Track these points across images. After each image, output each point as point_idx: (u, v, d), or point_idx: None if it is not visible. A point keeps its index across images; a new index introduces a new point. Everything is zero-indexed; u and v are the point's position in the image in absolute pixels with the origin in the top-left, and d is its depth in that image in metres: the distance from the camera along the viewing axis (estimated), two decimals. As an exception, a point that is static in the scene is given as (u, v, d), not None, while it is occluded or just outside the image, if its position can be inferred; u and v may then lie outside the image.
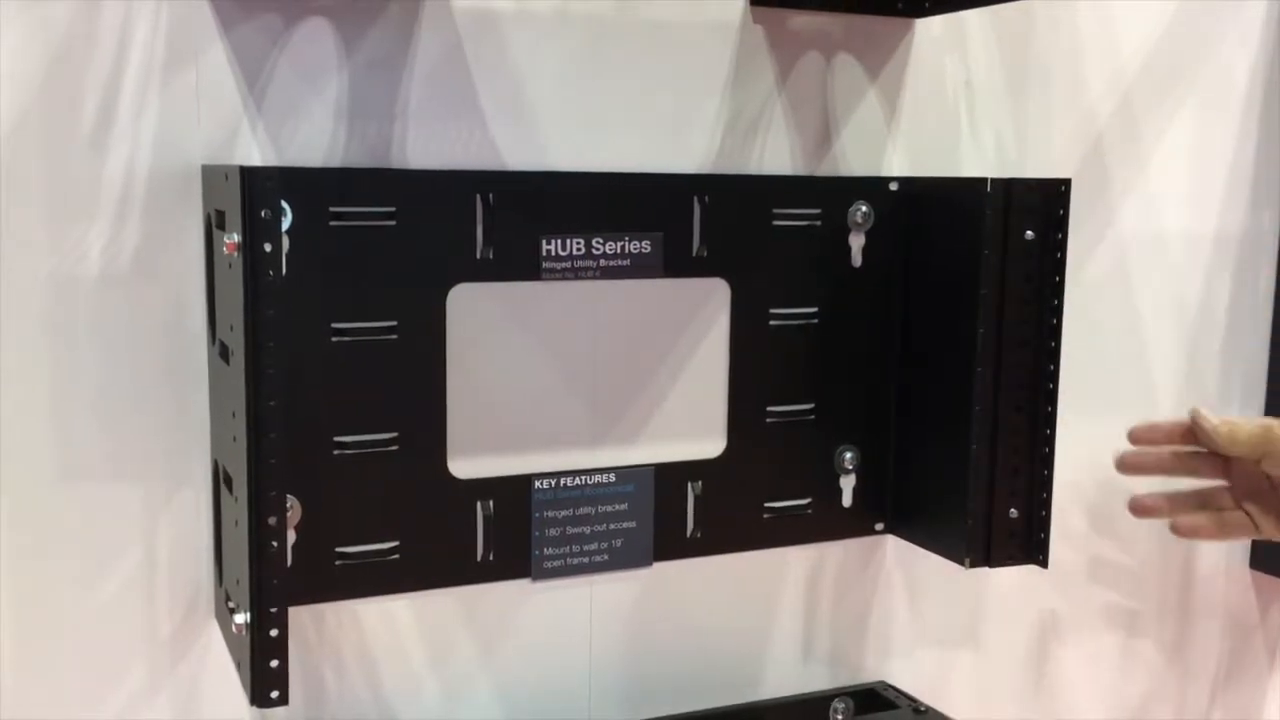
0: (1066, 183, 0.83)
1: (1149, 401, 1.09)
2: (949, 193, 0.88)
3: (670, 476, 0.88)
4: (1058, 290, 0.83)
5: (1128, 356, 1.08)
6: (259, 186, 0.61)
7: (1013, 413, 0.84)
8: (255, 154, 0.75)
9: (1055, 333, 0.84)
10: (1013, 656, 1.08)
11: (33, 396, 0.71)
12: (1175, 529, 0.86)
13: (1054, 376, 0.84)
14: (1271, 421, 0.82)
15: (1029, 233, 0.82)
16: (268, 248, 0.62)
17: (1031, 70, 0.99)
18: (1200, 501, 0.86)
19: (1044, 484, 0.85)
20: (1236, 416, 0.85)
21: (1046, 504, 0.85)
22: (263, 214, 0.61)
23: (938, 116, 0.96)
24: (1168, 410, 1.10)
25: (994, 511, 0.85)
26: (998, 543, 0.85)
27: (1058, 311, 0.84)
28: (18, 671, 0.73)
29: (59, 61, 0.69)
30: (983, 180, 0.83)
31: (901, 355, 0.92)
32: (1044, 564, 0.85)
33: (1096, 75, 1.03)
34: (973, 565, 0.85)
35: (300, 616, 0.79)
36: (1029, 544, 0.85)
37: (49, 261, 0.71)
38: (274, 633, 0.64)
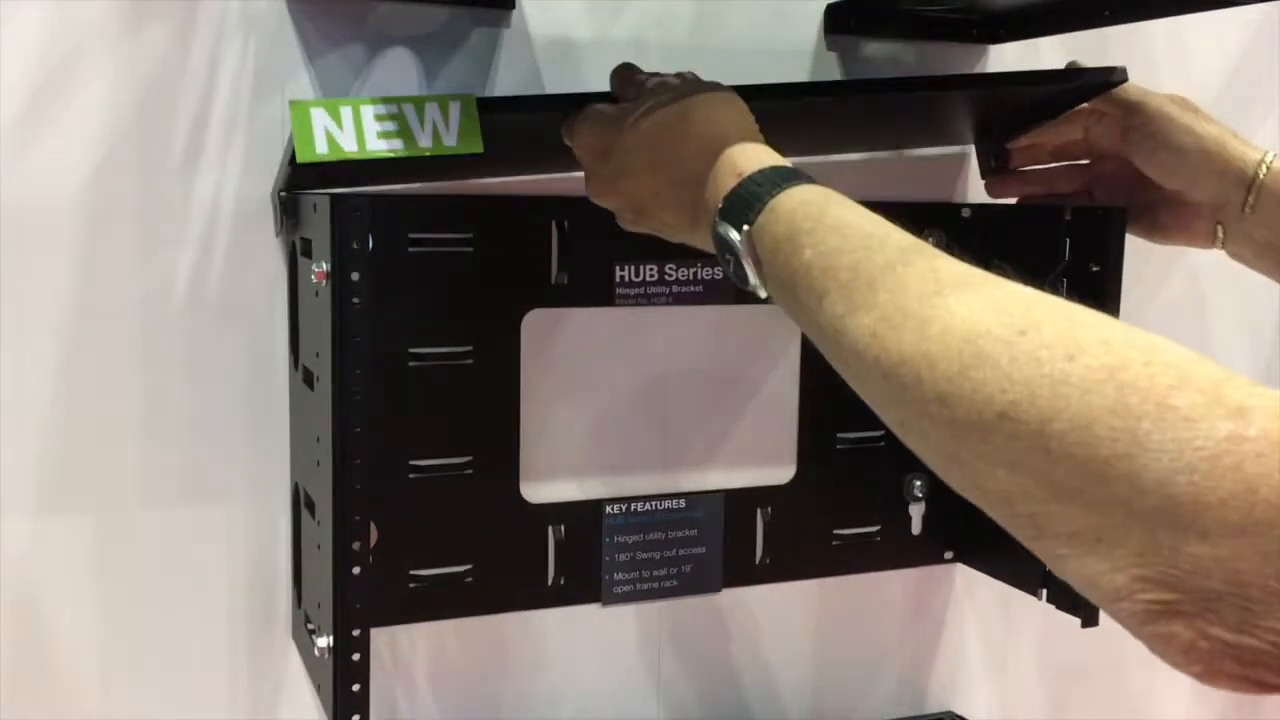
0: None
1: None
2: (1022, 220, 0.87)
3: (740, 503, 0.88)
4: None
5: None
6: (348, 216, 0.62)
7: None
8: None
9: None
10: (1085, 688, 1.06)
11: (122, 419, 0.73)
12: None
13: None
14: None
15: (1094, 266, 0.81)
16: (355, 276, 0.63)
17: (1106, 96, 0.98)
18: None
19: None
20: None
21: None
22: (353, 244, 0.62)
23: (1011, 142, 0.95)
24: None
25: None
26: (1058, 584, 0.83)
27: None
28: (104, 691, 0.74)
29: (151, 93, 0.71)
30: (1058, 209, 0.82)
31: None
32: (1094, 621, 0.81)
33: (1171, 100, 1.01)
34: (1049, 598, 0.84)
35: (374, 638, 0.80)
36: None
37: (140, 286, 0.72)
38: (356, 656, 0.65)
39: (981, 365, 0.41)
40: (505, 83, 0.79)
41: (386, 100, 0.62)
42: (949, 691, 1.00)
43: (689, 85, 0.65)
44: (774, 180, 0.56)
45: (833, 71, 0.88)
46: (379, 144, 0.61)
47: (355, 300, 0.63)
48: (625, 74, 0.70)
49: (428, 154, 0.62)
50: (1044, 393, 0.39)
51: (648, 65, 0.82)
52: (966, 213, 0.90)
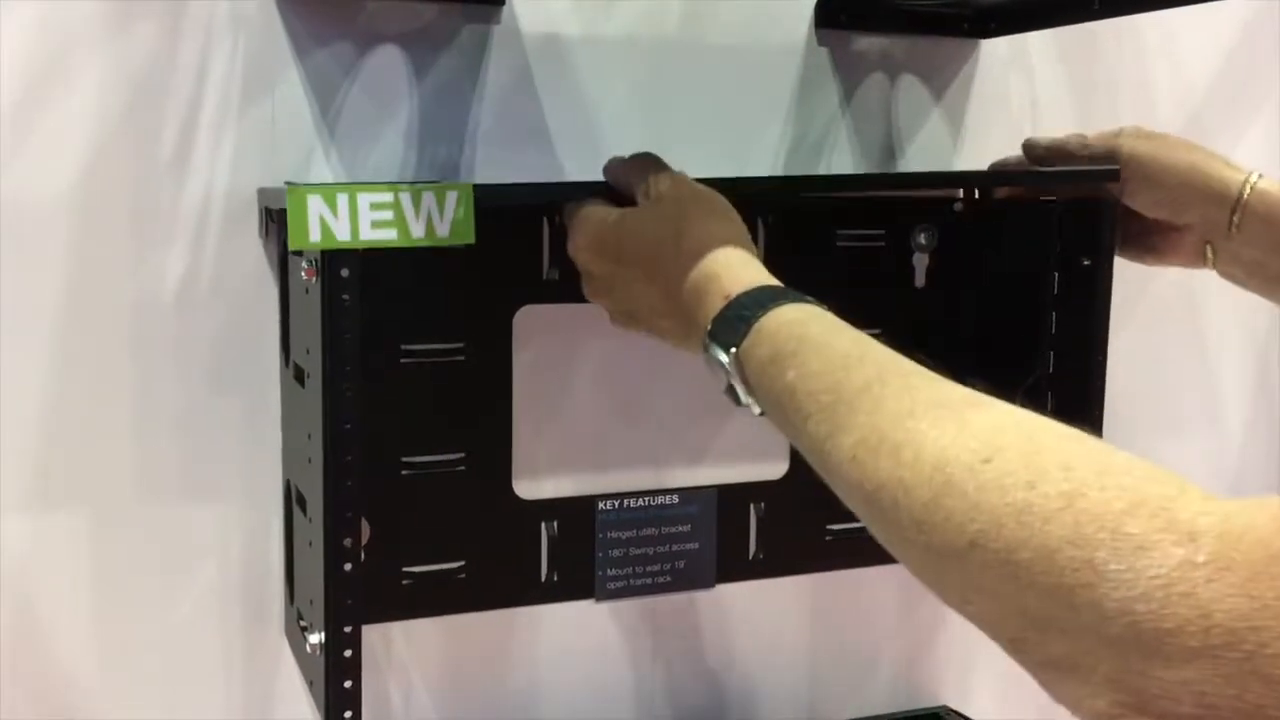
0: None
1: (1215, 422, 1.08)
2: (1014, 214, 0.87)
3: (733, 498, 0.88)
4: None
5: (1195, 378, 1.07)
6: (337, 213, 0.62)
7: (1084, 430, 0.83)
8: (329, 178, 0.76)
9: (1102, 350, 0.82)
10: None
11: (113, 417, 0.73)
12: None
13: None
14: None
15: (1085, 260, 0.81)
16: (345, 273, 0.63)
17: (1097, 90, 0.98)
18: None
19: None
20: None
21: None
22: (341, 240, 0.62)
23: (1003, 137, 0.95)
24: (1235, 430, 1.08)
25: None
26: None
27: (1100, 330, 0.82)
28: (97, 688, 0.74)
29: (141, 92, 0.71)
30: (1050, 201, 0.82)
31: (965, 375, 0.91)
32: None
33: (1163, 93, 1.01)
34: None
35: (366, 635, 0.80)
36: None
37: (131, 285, 0.72)
38: (348, 653, 0.65)
39: (950, 493, 0.42)
40: (495, 79, 0.79)
41: (383, 188, 0.63)
42: (944, 686, 1.00)
43: (682, 193, 0.65)
44: (760, 301, 0.56)
45: (824, 66, 0.88)
46: (372, 233, 0.62)
47: (345, 297, 0.63)
48: (620, 171, 0.70)
49: (421, 244, 0.64)
50: (1009, 522, 0.40)
51: (640, 63, 0.83)
52: (958, 206, 0.90)
